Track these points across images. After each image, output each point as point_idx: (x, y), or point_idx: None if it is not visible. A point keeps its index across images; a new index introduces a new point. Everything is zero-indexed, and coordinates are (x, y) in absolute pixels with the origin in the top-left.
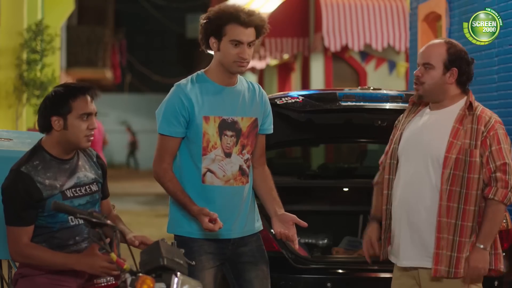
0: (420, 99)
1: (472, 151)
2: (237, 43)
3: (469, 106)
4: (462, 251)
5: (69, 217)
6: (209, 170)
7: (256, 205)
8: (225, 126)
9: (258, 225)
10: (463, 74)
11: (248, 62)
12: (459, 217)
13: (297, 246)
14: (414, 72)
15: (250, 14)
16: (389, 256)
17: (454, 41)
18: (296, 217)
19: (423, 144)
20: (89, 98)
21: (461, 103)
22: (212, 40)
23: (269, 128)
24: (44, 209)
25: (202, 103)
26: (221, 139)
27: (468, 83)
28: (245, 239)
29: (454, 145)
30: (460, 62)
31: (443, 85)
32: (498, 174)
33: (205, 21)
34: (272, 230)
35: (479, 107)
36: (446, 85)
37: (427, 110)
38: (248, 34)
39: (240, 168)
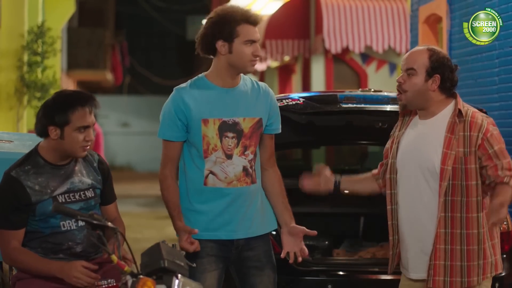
0: (404, 108)
1: (466, 158)
2: (252, 42)
3: (459, 113)
4: (471, 259)
5: (61, 223)
6: (211, 172)
7: (268, 206)
8: (225, 128)
9: (269, 226)
10: (446, 81)
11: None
12: (463, 226)
13: (299, 258)
14: (397, 78)
15: (255, 12)
16: (404, 272)
17: (437, 48)
18: (305, 229)
19: (418, 157)
20: (88, 110)
21: (449, 108)
22: (221, 43)
23: (277, 128)
24: (35, 214)
25: (200, 106)
26: (221, 141)
27: (453, 89)
28: (251, 242)
29: (449, 155)
30: (443, 69)
31: (425, 92)
32: (506, 170)
33: (210, 25)
34: (273, 232)
35: (469, 111)
36: (428, 92)
37: (418, 119)
38: (257, 32)
39: (244, 169)
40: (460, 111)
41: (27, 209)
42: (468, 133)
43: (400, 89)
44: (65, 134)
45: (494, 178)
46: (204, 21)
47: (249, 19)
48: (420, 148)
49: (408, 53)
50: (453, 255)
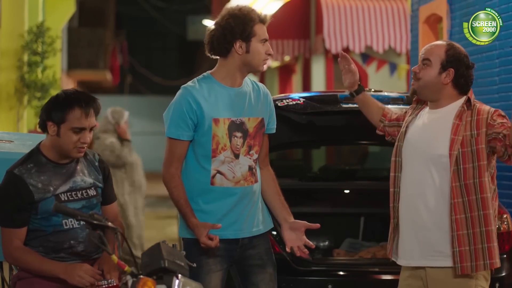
0: (414, 93)
1: (476, 139)
2: (265, 41)
3: (468, 103)
4: (491, 240)
5: (63, 221)
6: (219, 172)
7: (264, 204)
8: (234, 128)
9: (267, 223)
10: (460, 77)
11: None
12: (480, 207)
13: (305, 252)
14: (413, 68)
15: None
16: (396, 258)
17: (456, 44)
18: (307, 223)
19: (423, 144)
20: (85, 112)
21: (459, 102)
22: (239, 44)
23: (273, 128)
24: (37, 212)
25: (211, 105)
26: (230, 141)
27: (467, 87)
28: (254, 241)
29: (456, 141)
30: (458, 64)
31: (437, 84)
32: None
33: (228, 26)
34: (273, 232)
35: (478, 104)
36: (440, 84)
37: (427, 109)
38: (266, 31)
39: (250, 168)
40: (469, 99)
41: (29, 207)
42: (475, 117)
43: (415, 77)
44: (61, 132)
45: (501, 153)
46: (205, 22)
47: (262, 18)
48: (427, 136)
49: (427, 45)
50: (475, 239)
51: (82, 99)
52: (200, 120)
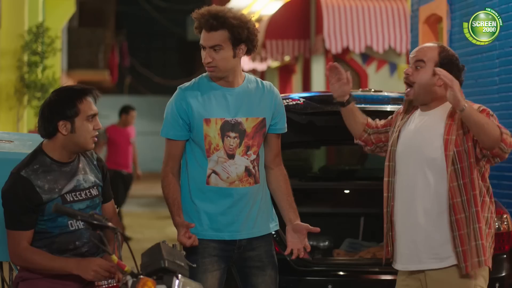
0: (410, 105)
1: (466, 136)
2: (202, 47)
3: None
4: (483, 237)
5: (69, 222)
6: (214, 172)
7: (271, 206)
8: (228, 128)
9: (271, 226)
10: None
11: (215, 67)
12: (473, 205)
13: (301, 255)
14: (404, 70)
15: (216, 16)
16: (393, 264)
17: (446, 46)
18: (309, 226)
19: (417, 147)
20: (92, 99)
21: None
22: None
23: (282, 127)
24: (43, 213)
25: (203, 105)
26: (223, 141)
27: None
28: (253, 243)
29: (450, 141)
30: (451, 66)
31: (431, 87)
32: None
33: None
34: (273, 232)
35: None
36: (434, 87)
37: (418, 111)
38: (208, 38)
39: (246, 169)
40: None
41: (37, 209)
42: None
43: (408, 81)
44: (76, 126)
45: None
46: None
47: (201, 23)
48: (420, 138)
49: (418, 47)
50: (470, 236)
51: (84, 88)
52: (191, 120)
